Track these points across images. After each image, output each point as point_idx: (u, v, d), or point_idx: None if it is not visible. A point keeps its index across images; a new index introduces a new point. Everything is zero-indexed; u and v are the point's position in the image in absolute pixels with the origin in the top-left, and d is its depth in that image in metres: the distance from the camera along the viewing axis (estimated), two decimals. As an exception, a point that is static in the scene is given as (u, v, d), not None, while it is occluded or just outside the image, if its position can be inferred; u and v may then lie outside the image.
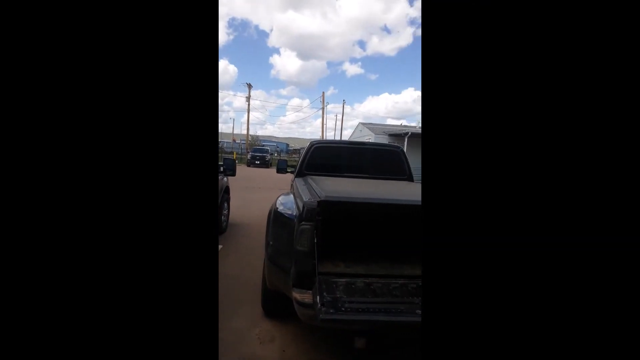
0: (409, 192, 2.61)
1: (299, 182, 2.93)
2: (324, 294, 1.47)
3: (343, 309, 1.36)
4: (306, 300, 1.56)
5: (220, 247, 3.80)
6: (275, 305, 2.17)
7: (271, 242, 2.01)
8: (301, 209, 1.72)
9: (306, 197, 1.87)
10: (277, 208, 2.09)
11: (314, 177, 3.22)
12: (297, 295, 1.61)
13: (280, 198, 2.32)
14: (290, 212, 1.96)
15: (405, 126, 25.21)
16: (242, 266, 3.22)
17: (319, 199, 1.74)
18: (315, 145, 3.75)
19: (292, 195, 2.45)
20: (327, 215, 1.74)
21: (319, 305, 1.36)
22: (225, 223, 4.53)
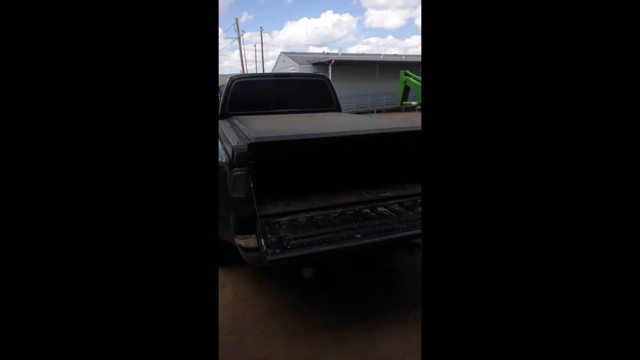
0: (339, 123, 2.61)
1: (224, 124, 2.69)
2: (268, 235, 1.47)
3: (289, 247, 1.38)
4: (250, 244, 1.55)
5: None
6: (221, 254, 2.14)
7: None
8: (231, 154, 1.60)
9: (234, 141, 1.72)
10: None
11: (239, 117, 2.98)
12: (240, 241, 1.59)
13: None
14: (219, 160, 1.81)
15: (328, 54, 24.35)
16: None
17: (249, 142, 1.64)
18: (235, 81, 3.39)
19: (218, 141, 2.26)
20: (260, 158, 1.66)
21: (265, 247, 1.37)
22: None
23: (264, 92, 3.50)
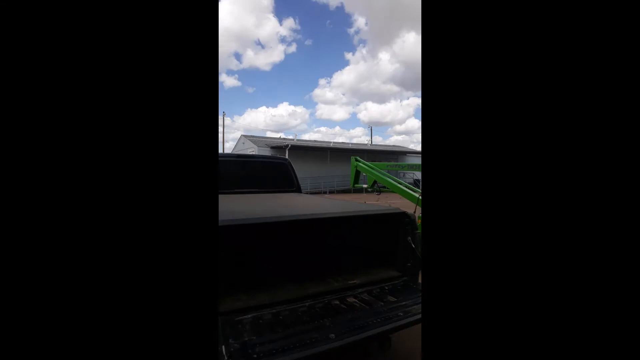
0: (303, 204, 2.59)
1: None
2: (230, 340, 1.23)
3: (255, 355, 1.16)
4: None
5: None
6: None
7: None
8: None
9: None
10: None
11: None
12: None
13: None
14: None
15: (284, 139, 26.00)
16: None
17: None
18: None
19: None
20: (222, 243, 1.50)
21: (226, 357, 1.12)
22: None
23: (227, 172, 3.46)
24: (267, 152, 18.71)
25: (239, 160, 3.75)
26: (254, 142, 21.65)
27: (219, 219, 1.54)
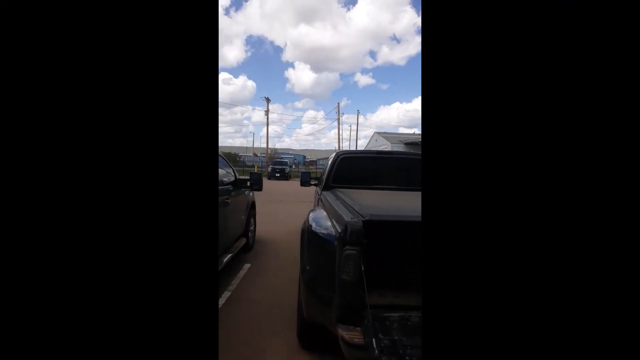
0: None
1: (329, 196, 2.73)
2: (379, 335, 1.24)
3: (407, 357, 1.12)
4: (356, 340, 1.33)
5: (248, 265, 3.64)
6: (314, 337, 1.95)
7: (307, 267, 1.80)
8: (343, 230, 1.51)
9: (346, 215, 1.65)
10: (311, 227, 1.89)
11: (342, 190, 3.01)
12: (344, 333, 1.39)
13: (311, 215, 2.13)
14: (325, 232, 1.75)
15: (418, 134, 24.63)
16: (272, 290, 3.02)
17: (363, 219, 1.53)
18: (341, 156, 3.56)
19: (323, 211, 2.25)
20: (373, 238, 1.52)
21: (377, 351, 1.14)
22: (252, 240, 4.38)
23: (367, 168, 3.54)
24: (400, 148, 18.21)
25: (377, 157, 3.77)
26: (387, 138, 21.56)
27: (372, 213, 1.60)
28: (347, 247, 1.43)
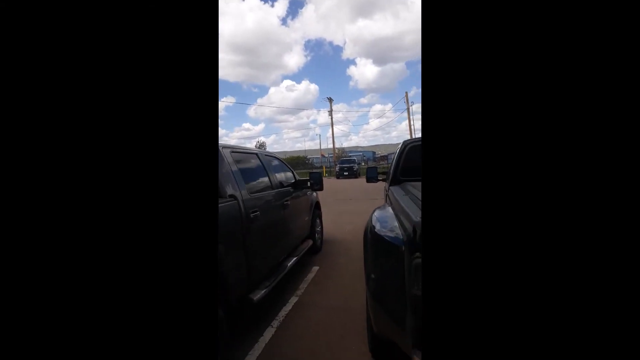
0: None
1: (397, 191, 2.40)
2: None
3: None
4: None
5: (316, 268, 3.51)
6: (387, 351, 1.67)
7: (373, 276, 1.53)
8: (412, 233, 1.21)
9: (414, 214, 1.34)
10: (374, 228, 1.62)
11: (413, 184, 2.64)
12: (421, 363, 1.09)
13: (375, 213, 1.84)
14: (392, 235, 1.45)
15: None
16: (345, 294, 2.81)
17: None
18: (409, 145, 3.16)
19: (389, 209, 1.95)
20: None
21: None
22: (319, 241, 4.26)
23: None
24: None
25: None
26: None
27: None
28: (418, 254, 1.12)
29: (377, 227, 1.62)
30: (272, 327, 2.30)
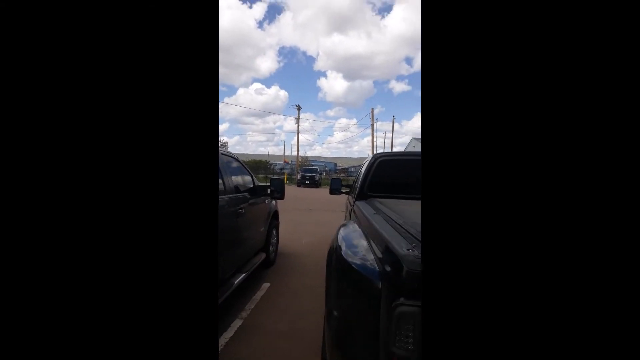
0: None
1: (365, 207, 2.17)
2: None
3: None
4: None
5: (267, 285, 3.15)
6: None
7: (335, 313, 1.24)
8: (395, 269, 0.94)
9: (398, 243, 1.06)
10: (340, 249, 1.34)
11: (382, 200, 2.44)
12: None
13: (342, 232, 1.58)
14: (362, 263, 1.18)
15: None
16: (297, 317, 2.49)
17: None
18: (380, 159, 2.99)
19: (357, 227, 1.70)
20: None
21: None
22: (273, 254, 3.90)
23: (411, 174, 2.92)
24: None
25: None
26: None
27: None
28: (402, 299, 0.84)
29: (343, 249, 1.34)
30: None
